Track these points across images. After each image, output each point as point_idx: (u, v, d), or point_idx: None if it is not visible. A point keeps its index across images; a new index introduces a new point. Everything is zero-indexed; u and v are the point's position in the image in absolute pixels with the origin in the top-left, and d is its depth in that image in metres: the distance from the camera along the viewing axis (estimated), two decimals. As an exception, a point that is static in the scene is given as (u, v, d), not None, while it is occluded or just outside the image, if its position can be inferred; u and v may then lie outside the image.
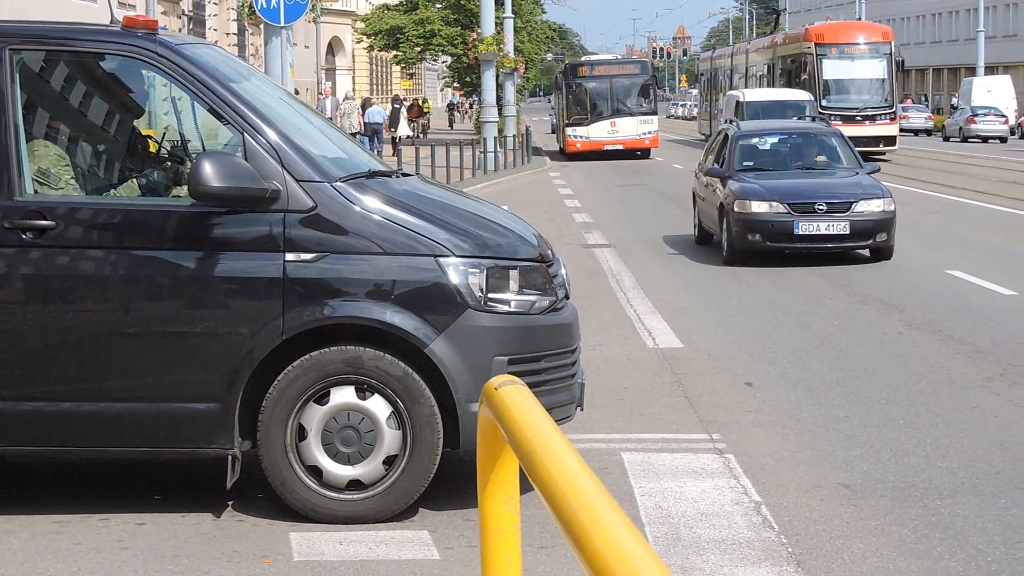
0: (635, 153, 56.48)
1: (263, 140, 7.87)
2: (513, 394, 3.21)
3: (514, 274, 8.00)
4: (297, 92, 44.69)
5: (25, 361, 7.85)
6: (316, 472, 7.86)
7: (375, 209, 7.87)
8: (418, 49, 72.99)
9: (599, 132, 55.93)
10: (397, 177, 8.65)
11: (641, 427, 10.18)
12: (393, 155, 40.63)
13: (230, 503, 8.21)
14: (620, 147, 55.43)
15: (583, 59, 61.31)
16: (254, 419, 7.87)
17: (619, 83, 57.28)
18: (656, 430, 10.07)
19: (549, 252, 8.42)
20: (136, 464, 8.97)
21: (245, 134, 7.89)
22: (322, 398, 7.84)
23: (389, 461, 7.86)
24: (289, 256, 7.76)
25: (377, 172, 8.45)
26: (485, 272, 7.87)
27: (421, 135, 66.67)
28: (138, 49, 8.05)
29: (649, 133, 56.30)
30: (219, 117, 8.02)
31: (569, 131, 56.54)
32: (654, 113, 57.41)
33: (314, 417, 7.83)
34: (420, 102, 74.60)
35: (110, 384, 7.84)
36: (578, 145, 55.72)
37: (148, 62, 8.08)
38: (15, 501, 8.40)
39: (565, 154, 57.07)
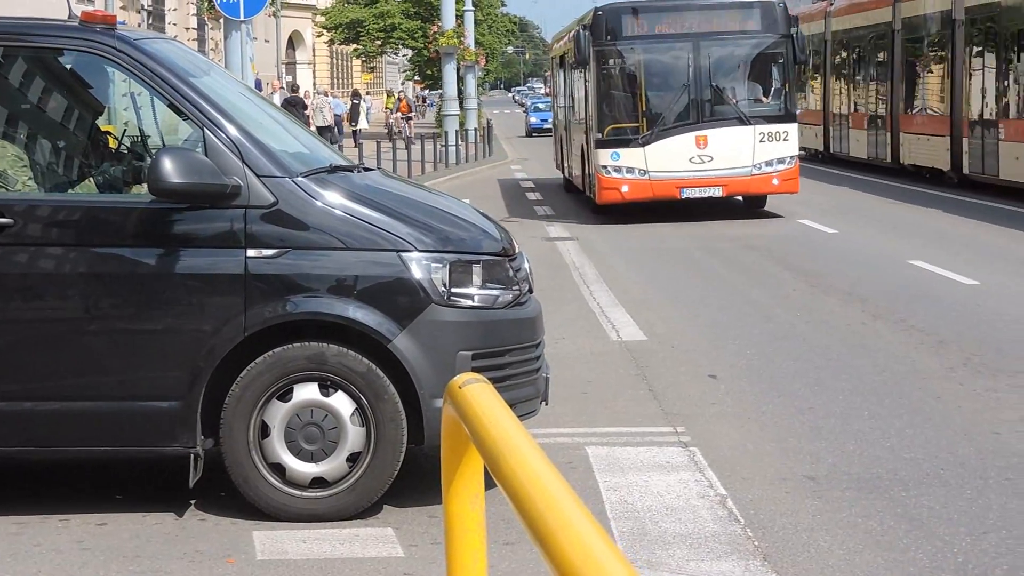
0: (741, 202, 27.70)
1: (223, 135, 7.81)
2: (477, 392, 3.18)
3: (477, 268, 7.96)
4: (260, 87, 44.58)
5: None
6: (279, 470, 7.80)
7: (337, 204, 7.82)
8: (379, 43, 72.87)
9: (671, 159, 25.79)
10: (359, 172, 8.60)
11: (606, 421, 10.14)
12: (354, 147, 40.48)
13: (192, 502, 8.14)
14: (717, 191, 26.00)
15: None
16: (216, 417, 7.81)
17: (716, 51, 26.24)
18: (621, 424, 10.04)
19: (512, 246, 8.38)
20: (97, 464, 8.89)
21: (205, 129, 7.82)
22: (285, 395, 7.78)
23: (353, 458, 7.80)
24: (251, 252, 7.70)
25: (339, 167, 8.40)
26: (448, 267, 7.83)
27: (415, 139, 49.50)
28: (97, 44, 7.98)
29: (781, 161, 26.06)
30: (179, 112, 7.95)
31: (603, 158, 26.05)
32: (790, 118, 26.61)
33: (277, 414, 7.77)
34: (403, 95, 69.67)
35: (71, 383, 7.77)
36: (623, 189, 25.87)
37: (107, 57, 8.00)
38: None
39: (593, 203, 27.61)
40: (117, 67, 8.06)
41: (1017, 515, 7.74)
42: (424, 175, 39.13)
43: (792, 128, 26.08)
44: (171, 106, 7.97)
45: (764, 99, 26.41)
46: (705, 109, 25.65)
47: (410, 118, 61.25)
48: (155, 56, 8.05)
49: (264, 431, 7.79)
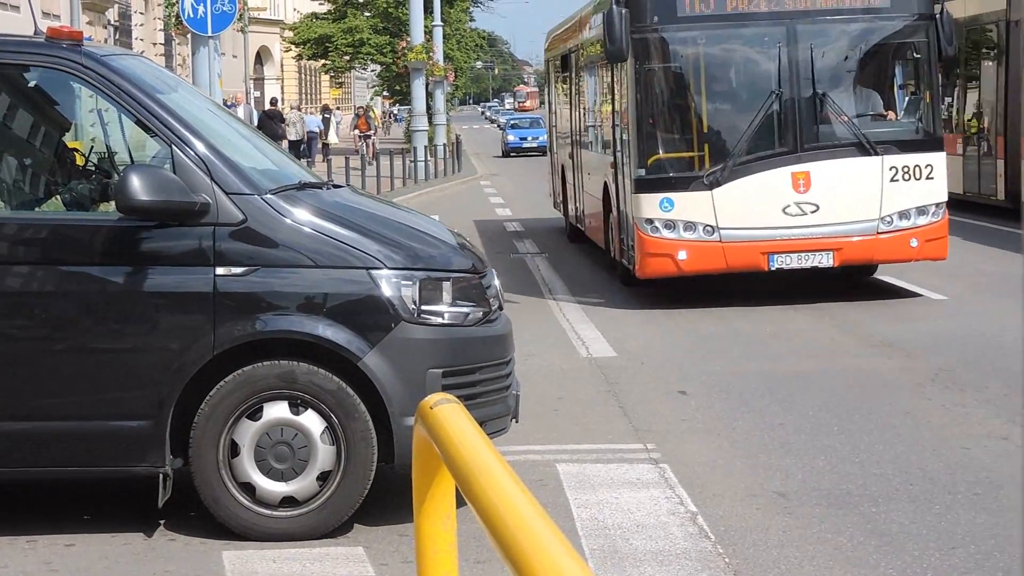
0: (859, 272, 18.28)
1: (191, 152, 7.78)
2: (448, 413, 3.17)
3: (447, 285, 7.94)
4: (227, 104, 44.52)
5: None
6: (249, 489, 7.76)
7: (306, 222, 7.80)
8: (347, 58, 72.80)
9: (754, 210, 16.47)
10: (328, 189, 8.58)
11: (576, 437, 10.14)
12: (323, 161, 40.41)
13: (162, 522, 8.10)
14: (826, 257, 16.66)
15: None
16: (186, 436, 7.77)
17: (823, 40, 16.99)
18: (591, 440, 10.03)
19: (482, 263, 8.37)
20: (64, 484, 8.83)
21: (173, 146, 7.80)
22: (255, 414, 7.75)
23: (323, 477, 7.77)
24: (219, 270, 7.67)
25: (308, 184, 8.38)
26: (418, 284, 7.81)
27: (372, 159, 49.70)
28: (63, 61, 7.95)
29: (924, 212, 16.79)
30: (147, 129, 7.93)
31: (648, 207, 16.63)
32: (935, 144, 17.05)
33: (247, 433, 7.74)
34: (364, 110, 62.66)
35: (39, 403, 7.73)
36: (680, 256, 16.50)
37: (74, 74, 7.97)
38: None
39: (624, 271, 18.57)
40: (84, 83, 8.02)
41: (985, 530, 7.76)
42: (393, 191, 39.11)
43: (938, 159, 16.69)
44: (139, 123, 7.94)
45: (894, 115, 17.31)
46: (806, 130, 16.40)
47: (368, 136, 56.61)
48: (122, 72, 8.02)
49: (234, 450, 7.75)
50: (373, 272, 7.75)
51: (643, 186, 16.51)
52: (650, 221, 16.36)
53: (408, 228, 8.27)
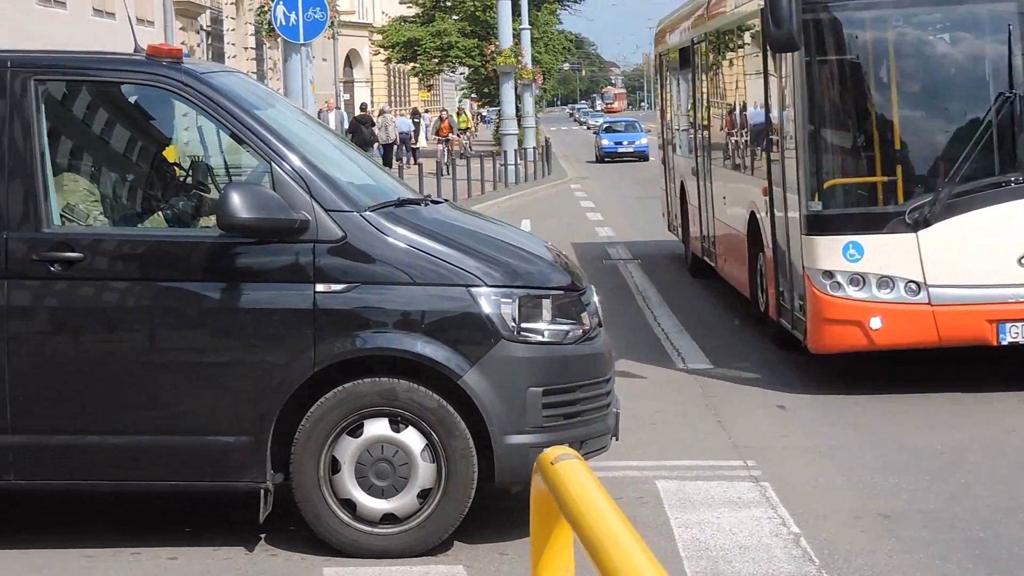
0: None
1: (291, 169, 7.77)
2: (569, 469, 3.10)
3: (547, 303, 7.88)
4: (319, 112, 44.65)
5: (55, 394, 7.77)
6: (350, 505, 7.75)
7: (405, 239, 7.77)
8: (435, 61, 72.93)
9: (977, 261, 11.70)
10: (426, 205, 8.54)
11: (675, 453, 10.05)
12: (415, 164, 40.39)
13: (262, 536, 8.09)
14: None
15: None
16: (286, 451, 7.77)
17: None
18: (690, 456, 9.94)
19: (581, 280, 8.31)
20: (168, 496, 8.84)
21: (272, 163, 7.79)
22: (355, 430, 7.73)
23: (423, 494, 7.74)
24: (319, 287, 7.66)
25: (406, 200, 8.35)
26: (517, 301, 7.76)
27: (449, 159, 47.08)
28: (163, 78, 7.98)
29: None
30: (246, 146, 7.92)
31: (826, 254, 11.94)
32: None
33: (347, 449, 7.73)
34: (449, 115, 60.30)
35: (141, 417, 7.76)
36: (873, 324, 11.75)
37: (173, 91, 8.00)
38: (46, 535, 8.32)
39: (782, 334, 13.60)
40: (183, 100, 8.04)
41: (1098, 555, 7.60)
42: (483, 195, 39.09)
43: None
44: (238, 139, 7.95)
45: None
46: None
47: (449, 140, 54.04)
48: (221, 89, 8.03)
49: (334, 466, 7.74)
50: (472, 290, 7.71)
51: (818, 224, 11.97)
52: (829, 275, 11.86)
53: (507, 245, 8.22)
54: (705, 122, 18.77)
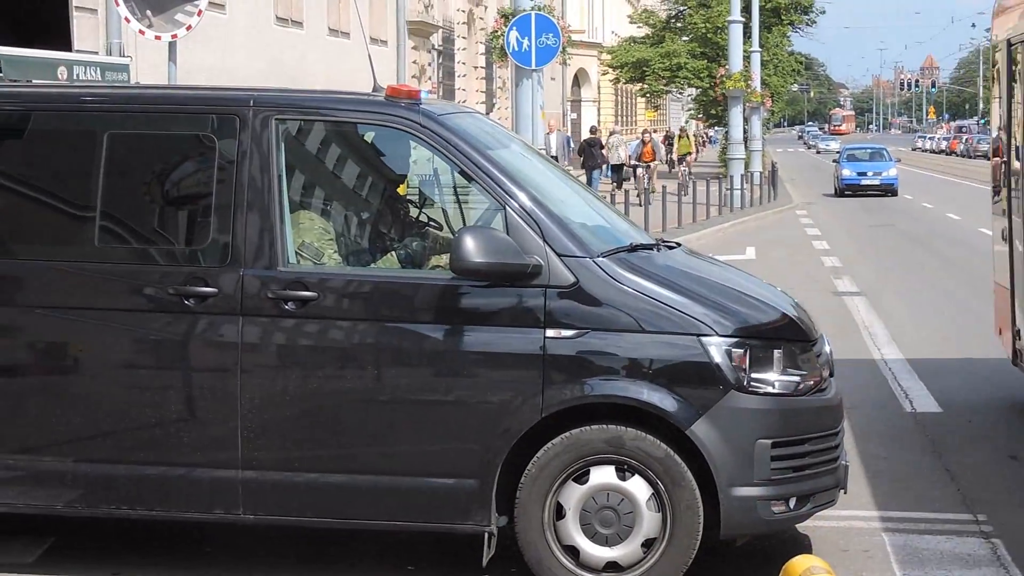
0: None
1: (524, 212, 7.81)
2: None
3: (778, 354, 7.79)
4: (568, 142, 44.46)
5: (284, 432, 7.89)
6: (573, 552, 7.75)
7: (637, 285, 7.74)
8: (663, 82, 72.79)
9: None
10: (659, 250, 8.50)
11: (901, 504, 9.86)
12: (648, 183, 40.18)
13: (484, 578, 8.13)
14: None
15: None
16: (509, 494, 7.79)
17: None
18: (917, 508, 9.75)
19: (814, 330, 8.21)
20: (385, 533, 8.91)
21: (507, 206, 7.83)
22: (581, 476, 7.73)
23: (648, 544, 7.71)
24: (550, 332, 7.67)
25: (639, 245, 8.33)
26: (748, 352, 7.68)
27: (649, 183, 43.16)
28: (402, 119, 8.06)
29: None
30: (481, 188, 7.97)
31: None
32: None
33: (573, 496, 7.73)
34: (652, 138, 52.15)
35: (368, 457, 7.84)
36: None
37: (411, 132, 8.07)
38: (265, 568, 8.44)
39: None
40: (420, 142, 8.10)
41: None
42: (708, 219, 38.89)
43: None
44: (473, 182, 8.00)
45: None
46: None
47: (650, 166, 48.14)
48: (458, 131, 8.09)
49: (559, 512, 7.75)
50: (703, 339, 7.66)
51: None
52: None
53: (739, 293, 8.15)
54: None
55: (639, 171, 47.49)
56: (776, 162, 62.94)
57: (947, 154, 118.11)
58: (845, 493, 8.40)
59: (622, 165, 47.44)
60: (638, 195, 41.39)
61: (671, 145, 66.93)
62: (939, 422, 12.68)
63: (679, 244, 9.00)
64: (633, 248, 8.22)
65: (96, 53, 22.24)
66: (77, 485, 8.05)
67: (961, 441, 11.92)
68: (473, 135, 8.22)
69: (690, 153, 58.14)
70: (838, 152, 66.25)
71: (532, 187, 8.03)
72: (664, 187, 37.82)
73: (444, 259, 8.12)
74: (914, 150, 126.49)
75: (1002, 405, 13.46)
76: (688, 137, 61.19)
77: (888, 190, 55.46)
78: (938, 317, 20.12)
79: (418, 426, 7.78)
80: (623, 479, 7.71)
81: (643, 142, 49.75)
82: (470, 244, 7.53)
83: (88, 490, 8.05)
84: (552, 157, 29.72)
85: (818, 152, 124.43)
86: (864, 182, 56.15)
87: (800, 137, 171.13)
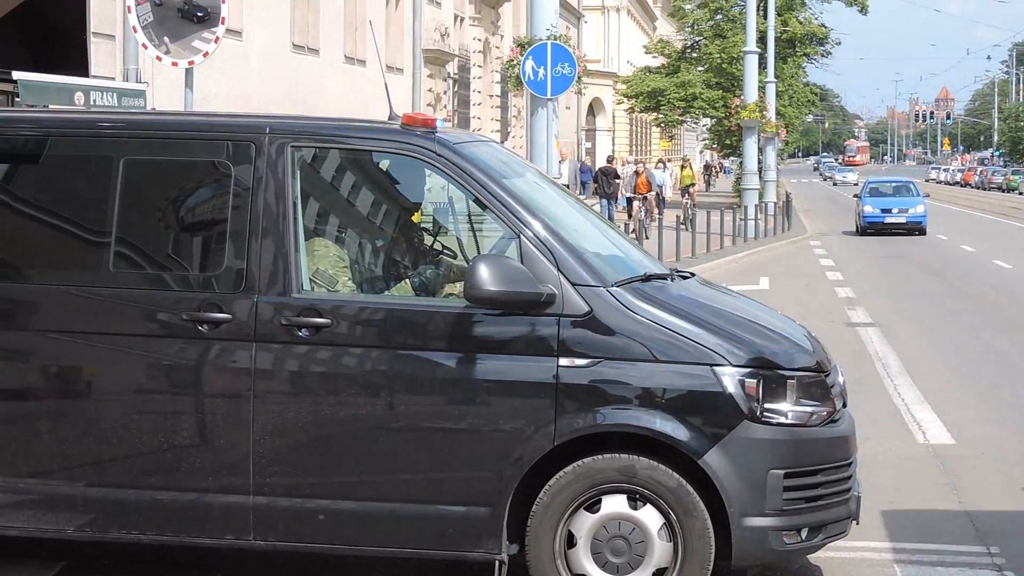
0: None
1: (539, 241, 7.82)
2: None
3: (791, 384, 7.79)
4: (585, 169, 44.18)
5: (295, 458, 7.89)
6: (584, 580, 7.74)
7: (651, 315, 7.74)
8: (679, 112, 72.88)
9: None
10: (673, 280, 8.50)
11: (914, 536, 9.84)
12: (659, 215, 40.20)
13: (495, 606, 8.10)
14: None
15: None
16: (521, 522, 7.79)
17: None
18: (930, 540, 9.73)
19: (827, 360, 8.20)
20: (400, 559, 8.90)
21: (521, 235, 7.84)
22: (592, 505, 7.73)
23: (659, 573, 7.70)
24: (563, 361, 7.67)
25: (653, 275, 8.33)
26: (761, 382, 7.68)
27: (648, 219, 43.51)
28: (417, 148, 8.08)
29: None
30: (496, 217, 7.98)
31: None
32: None
33: (584, 524, 7.73)
34: (647, 168, 50.40)
35: (379, 484, 7.84)
36: None
37: (426, 161, 8.08)
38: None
39: None
40: (436, 170, 8.11)
41: None
42: (722, 249, 38.88)
43: None
44: (488, 211, 8.01)
45: None
46: None
47: (647, 198, 45.70)
48: (473, 160, 8.11)
49: (570, 540, 7.75)
50: (716, 368, 7.66)
51: None
52: None
53: (752, 323, 8.15)
54: None
55: (635, 204, 45.22)
56: (790, 193, 62.82)
57: (961, 186, 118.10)
58: (858, 524, 8.39)
59: (634, 198, 47.38)
60: (633, 231, 40.83)
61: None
62: (952, 454, 12.66)
63: (693, 274, 9.00)
64: (647, 278, 8.22)
65: (113, 79, 22.35)
66: (88, 509, 8.06)
67: (974, 473, 11.90)
68: (488, 164, 8.23)
69: (694, 184, 55.41)
70: (856, 184, 62.88)
71: (546, 216, 8.04)
72: (660, 219, 37.71)
73: (458, 287, 8.13)
74: (927, 181, 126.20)
75: (1015, 437, 13.44)
76: (691, 168, 58.12)
77: (915, 229, 50.03)
78: (952, 348, 20.09)
79: (431, 454, 7.78)
80: (635, 508, 7.71)
81: (636, 173, 47.15)
82: (484, 272, 7.53)
83: (99, 514, 8.06)
84: (564, 186, 29.70)
85: (835, 184, 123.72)
86: (888, 220, 49.99)
87: (816, 168, 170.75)
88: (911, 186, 52.93)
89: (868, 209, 50.80)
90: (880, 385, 16.65)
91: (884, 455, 12.53)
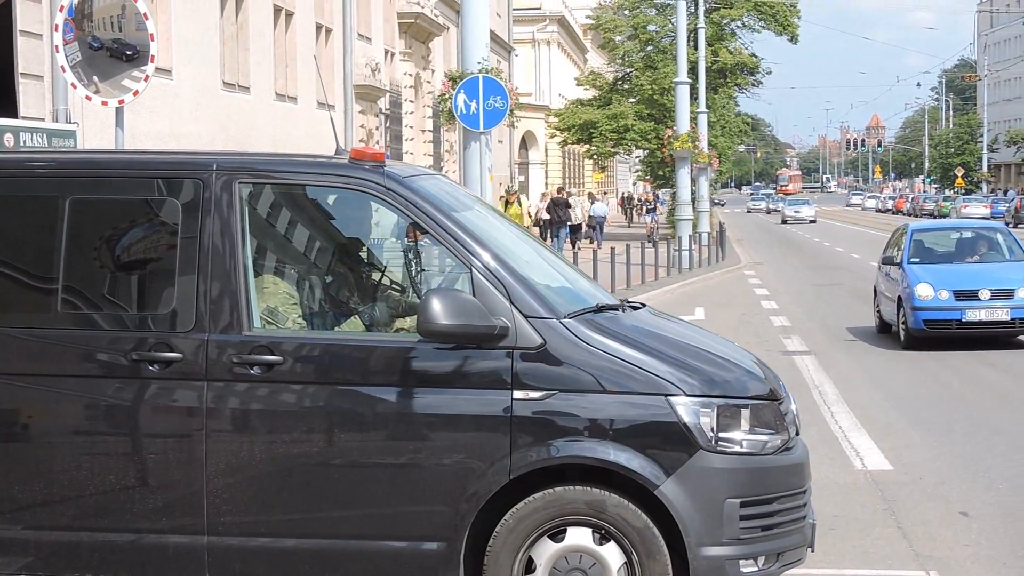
0: None
1: (491, 275, 7.83)
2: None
3: (745, 413, 7.84)
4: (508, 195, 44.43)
5: (249, 497, 7.87)
6: (539, 610, 7.75)
7: (605, 346, 7.77)
8: (611, 144, 73.20)
9: None
10: (624, 310, 8.54)
11: (856, 562, 9.94)
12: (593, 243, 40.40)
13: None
14: None
15: None
16: (479, 550, 7.79)
17: None
18: (871, 566, 9.84)
19: (779, 388, 8.26)
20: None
21: (473, 268, 7.85)
22: (557, 535, 7.74)
23: None
24: (517, 394, 7.69)
25: (605, 306, 8.36)
26: (716, 411, 7.72)
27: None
28: (366, 183, 8.07)
29: None
30: (447, 251, 7.99)
31: None
32: None
33: (546, 552, 7.74)
34: (518, 195, 46.81)
35: (335, 521, 7.82)
36: None
37: (375, 195, 8.08)
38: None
39: None
40: (385, 204, 8.10)
41: None
42: (656, 280, 39.02)
43: None
44: (438, 244, 8.02)
45: None
46: None
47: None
48: (422, 194, 8.12)
49: (529, 566, 7.75)
50: (671, 399, 7.69)
51: None
52: None
53: (705, 352, 8.18)
54: None
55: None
56: (724, 222, 63.24)
57: (893, 213, 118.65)
58: (813, 551, 8.44)
59: (579, 225, 48.25)
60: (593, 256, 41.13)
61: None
62: (890, 480, 12.77)
63: (644, 304, 9.04)
64: (599, 309, 8.25)
65: (43, 120, 22.18)
66: (41, 551, 8.01)
67: (912, 498, 12.01)
68: (437, 197, 8.25)
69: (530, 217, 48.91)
70: (814, 221, 50.03)
71: (497, 248, 8.06)
72: (628, 245, 37.95)
73: (409, 322, 8.14)
74: (848, 206, 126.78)
75: (952, 462, 13.56)
76: (519, 203, 46.06)
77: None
78: (887, 375, 20.25)
79: (386, 490, 7.78)
80: (599, 544, 7.72)
81: (506, 202, 43.60)
82: (437, 306, 7.55)
83: (52, 557, 8.01)
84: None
85: (784, 221, 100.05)
86: (970, 317, 23.10)
87: (755, 197, 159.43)
88: (999, 239, 25.77)
89: (923, 293, 23.35)
90: (817, 413, 16.76)
91: (823, 482, 12.59)
